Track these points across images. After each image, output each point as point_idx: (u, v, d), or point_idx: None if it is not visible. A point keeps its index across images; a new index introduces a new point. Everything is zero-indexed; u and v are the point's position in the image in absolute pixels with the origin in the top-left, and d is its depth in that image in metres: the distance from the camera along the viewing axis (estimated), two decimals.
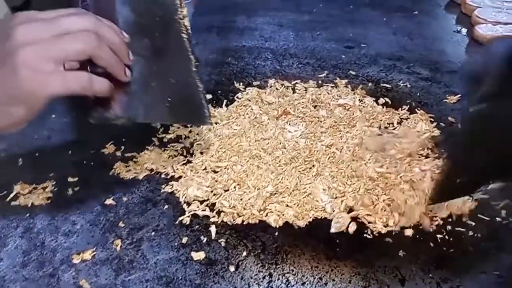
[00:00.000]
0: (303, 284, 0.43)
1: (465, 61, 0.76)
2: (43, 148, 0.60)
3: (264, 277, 0.44)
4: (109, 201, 0.52)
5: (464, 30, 0.94)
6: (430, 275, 0.44)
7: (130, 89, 0.46)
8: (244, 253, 0.46)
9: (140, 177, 0.55)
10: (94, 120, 0.45)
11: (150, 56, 0.48)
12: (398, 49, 0.86)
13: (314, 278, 0.44)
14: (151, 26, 0.49)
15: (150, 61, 0.48)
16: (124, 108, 0.45)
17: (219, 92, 0.72)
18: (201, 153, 0.58)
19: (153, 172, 0.56)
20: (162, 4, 0.50)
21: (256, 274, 0.44)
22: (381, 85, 0.75)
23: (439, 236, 0.48)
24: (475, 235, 0.48)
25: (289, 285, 0.43)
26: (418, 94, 0.72)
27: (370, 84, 0.75)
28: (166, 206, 0.52)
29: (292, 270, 0.45)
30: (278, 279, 0.44)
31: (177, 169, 0.56)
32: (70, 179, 0.55)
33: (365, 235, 0.48)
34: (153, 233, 0.49)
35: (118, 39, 0.43)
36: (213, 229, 0.49)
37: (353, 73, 0.78)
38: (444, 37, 0.93)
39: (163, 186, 0.54)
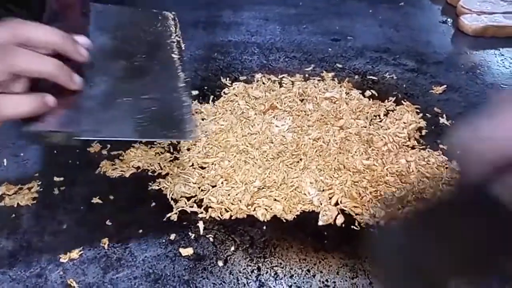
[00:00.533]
0: (291, 276, 0.44)
1: None
2: (28, 149, 0.59)
3: (252, 271, 0.44)
4: (95, 200, 0.52)
5: (449, 21, 0.95)
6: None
7: (81, 104, 0.40)
8: (233, 248, 0.46)
9: (127, 175, 0.55)
10: (25, 137, 0.41)
11: (124, 76, 0.45)
12: (384, 41, 0.87)
13: (302, 271, 0.44)
14: (134, 51, 0.47)
15: (123, 81, 0.45)
16: (64, 123, 0.39)
17: (206, 87, 0.71)
18: (188, 149, 0.58)
19: (139, 170, 0.56)
20: (153, 31, 0.50)
21: (245, 268, 0.44)
22: (368, 77, 0.75)
23: None
24: None
25: (277, 278, 0.43)
26: (404, 85, 0.73)
27: (356, 76, 0.75)
28: (153, 204, 0.52)
29: (280, 263, 0.45)
30: (267, 272, 0.44)
31: (164, 166, 0.56)
32: (56, 179, 0.54)
33: (352, 226, 0.49)
34: (140, 230, 0.48)
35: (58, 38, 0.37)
36: (201, 225, 0.49)
37: (340, 66, 0.78)
38: (430, 28, 0.93)
39: (150, 184, 0.54)
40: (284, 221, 0.49)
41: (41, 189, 0.53)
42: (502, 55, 0.82)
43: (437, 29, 0.92)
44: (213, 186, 0.53)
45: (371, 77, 0.75)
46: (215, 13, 0.97)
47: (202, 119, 0.63)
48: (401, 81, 0.74)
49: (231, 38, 0.88)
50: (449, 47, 0.87)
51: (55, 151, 0.59)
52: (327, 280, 0.43)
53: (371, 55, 0.82)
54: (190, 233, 0.48)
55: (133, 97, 0.44)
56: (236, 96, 0.68)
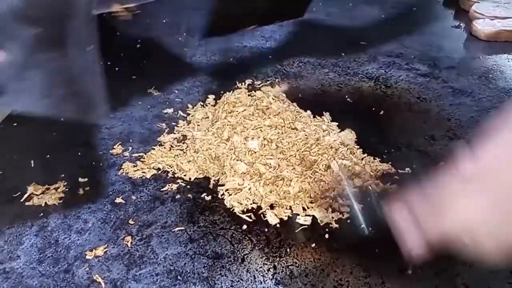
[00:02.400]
0: (306, 275, 0.45)
1: None
2: (54, 151, 0.62)
3: (268, 269, 0.46)
4: (118, 200, 0.54)
5: (462, 26, 0.95)
6: (429, 265, 0.46)
7: None
8: (249, 247, 0.48)
9: (148, 176, 0.58)
10: None
11: (37, 45, 0.42)
12: (397, 45, 0.88)
13: (317, 270, 0.46)
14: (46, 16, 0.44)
15: (36, 50, 0.42)
16: None
17: (222, 92, 0.73)
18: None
19: (159, 171, 0.58)
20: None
21: (261, 267, 0.46)
22: (380, 82, 0.76)
23: None
24: None
25: (292, 277, 0.45)
26: (416, 90, 0.74)
27: (369, 81, 0.76)
28: (173, 204, 0.54)
29: (296, 262, 0.47)
30: (282, 271, 0.46)
31: (181, 168, 0.58)
32: (80, 180, 0.57)
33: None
34: (161, 229, 0.51)
35: None
36: (218, 224, 0.51)
37: (353, 70, 0.80)
38: (442, 32, 0.94)
39: (169, 185, 0.56)
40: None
41: (67, 189, 0.56)
42: (510, 60, 0.83)
43: (449, 34, 0.93)
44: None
45: (384, 82, 0.76)
46: None
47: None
48: (414, 85, 0.75)
49: (246, 43, 0.90)
50: (462, 52, 0.88)
51: (79, 153, 0.62)
52: (340, 279, 0.45)
53: (384, 60, 0.83)
54: (208, 233, 0.50)
55: (47, 69, 0.42)
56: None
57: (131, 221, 0.51)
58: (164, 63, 0.84)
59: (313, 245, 0.48)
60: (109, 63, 0.82)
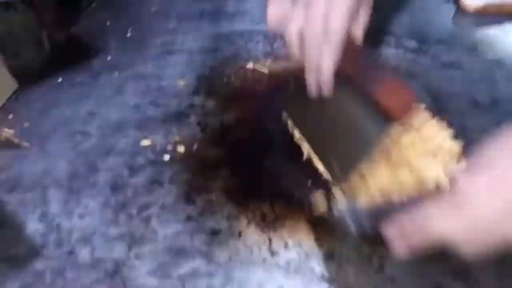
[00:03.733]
0: (300, 246, 0.47)
1: None
2: (51, 139, 0.63)
3: (264, 242, 0.48)
4: (117, 184, 0.56)
5: (451, 0, 0.96)
6: None
7: None
8: (245, 223, 0.50)
9: (145, 161, 0.59)
10: None
11: None
12: (386, 23, 0.89)
13: (311, 240, 0.47)
14: None
15: None
16: None
17: (212, 77, 0.75)
18: None
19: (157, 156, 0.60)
20: None
21: (257, 240, 0.48)
22: None
23: None
24: None
25: (287, 247, 0.47)
26: (405, 66, 0.75)
27: None
28: (171, 185, 0.55)
29: (290, 234, 0.48)
30: (278, 242, 0.48)
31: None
32: (79, 166, 0.59)
33: None
34: (160, 210, 0.52)
35: None
36: (215, 202, 0.52)
37: None
38: (431, 8, 0.94)
39: (167, 168, 0.58)
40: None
41: (66, 176, 0.57)
42: (505, 31, 0.83)
43: (438, 9, 0.94)
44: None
45: None
46: (220, 3, 1.00)
47: None
48: (403, 61, 0.76)
49: (236, 27, 0.91)
50: (451, 27, 0.88)
51: (77, 140, 0.63)
52: (334, 248, 0.47)
53: (373, 38, 0.84)
54: (205, 211, 0.52)
55: None
56: None
57: (130, 204, 0.53)
58: (156, 50, 0.85)
59: (307, 217, 0.50)
60: (100, 52, 0.83)
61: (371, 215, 0.40)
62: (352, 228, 0.39)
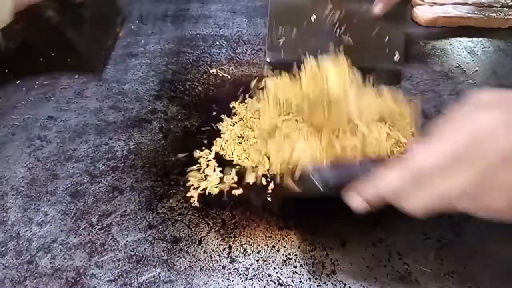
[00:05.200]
0: (259, 252, 0.50)
1: None
2: (9, 143, 0.62)
3: (224, 249, 0.50)
4: (77, 191, 0.56)
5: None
6: (367, 236, 0.51)
7: None
8: (206, 230, 0.52)
9: (105, 168, 0.59)
10: None
11: None
12: None
13: (268, 246, 0.50)
14: None
15: None
16: None
17: (175, 81, 0.75)
18: None
19: (117, 162, 0.60)
20: None
21: (217, 247, 0.50)
22: None
23: None
24: None
25: (246, 254, 0.49)
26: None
27: None
28: (131, 193, 0.56)
29: (249, 241, 0.51)
30: (237, 249, 0.50)
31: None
32: (38, 173, 0.58)
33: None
34: (121, 218, 0.53)
35: None
36: (176, 210, 0.54)
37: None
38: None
39: (128, 175, 0.58)
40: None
41: (26, 183, 0.57)
42: (451, 44, 0.89)
43: None
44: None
45: None
46: (183, 6, 1.01)
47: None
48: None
49: (200, 31, 0.92)
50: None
51: (35, 146, 0.62)
52: (289, 254, 0.49)
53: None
54: (167, 219, 0.53)
55: None
56: None
57: (90, 211, 0.54)
58: (117, 53, 0.84)
59: (265, 225, 0.52)
60: (57, 53, 0.82)
61: (334, 173, 0.45)
62: (318, 184, 0.43)
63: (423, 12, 0.96)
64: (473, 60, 0.83)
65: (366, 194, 0.41)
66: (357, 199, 0.42)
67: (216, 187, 0.56)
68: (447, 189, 0.35)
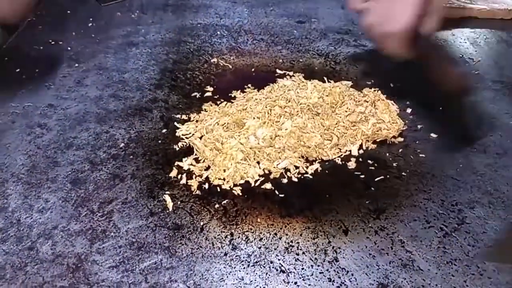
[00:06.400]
0: (261, 239, 0.49)
1: None
2: (10, 133, 0.62)
3: (226, 236, 0.50)
4: (78, 179, 0.56)
5: None
6: (370, 225, 0.51)
7: None
8: (208, 217, 0.52)
9: (106, 155, 0.59)
10: None
11: None
12: (346, 22, 0.92)
13: (270, 234, 0.50)
14: None
15: None
16: None
17: (176, 71, 0.75)
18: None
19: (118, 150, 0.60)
20: None
21: (219, 235, 0.50)
22: (330, 58, 0.80)
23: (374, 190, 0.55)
24: (407, 191, 0.56)
25: (248, 241, 0.49)
26: (363, 65, 0.79)
27: (320, 58, 0.80)
28: (132, 180, 0.56)
29: (251, 229, 0.50)
30: (239, 237, 0.50)
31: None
32: (39, 160, 0.58)
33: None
34: (122, 205, 0.53)
35: None
36: (178, 198, 0.54)
37: (304, 47, 0.83)
38: None
39: (129, 162, 0.58)
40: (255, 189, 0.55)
41: (26, 170, 0.56)
42: (454, 35, 0.89)
43: None
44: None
45: (333, 58, 0.80)
46: None
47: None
48: (360, 61, 0.80)
49: (200, 21, 0.91)
50: None
51: (36, 134, 0.62)
52: (291, 241, 0.49)
53: (334, 37, 0.87)
54: (168, 206, 0.53)
55: None
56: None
57: (92, 199, 0.53)
58: (117, 42, 0.84)
59: (267, 212, 0.52)
60: (60, 42, 0.82)
61: None
62: None
63: None
64: (475, 51, 0.83)
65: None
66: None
67: (217, 176, 0.56)
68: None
